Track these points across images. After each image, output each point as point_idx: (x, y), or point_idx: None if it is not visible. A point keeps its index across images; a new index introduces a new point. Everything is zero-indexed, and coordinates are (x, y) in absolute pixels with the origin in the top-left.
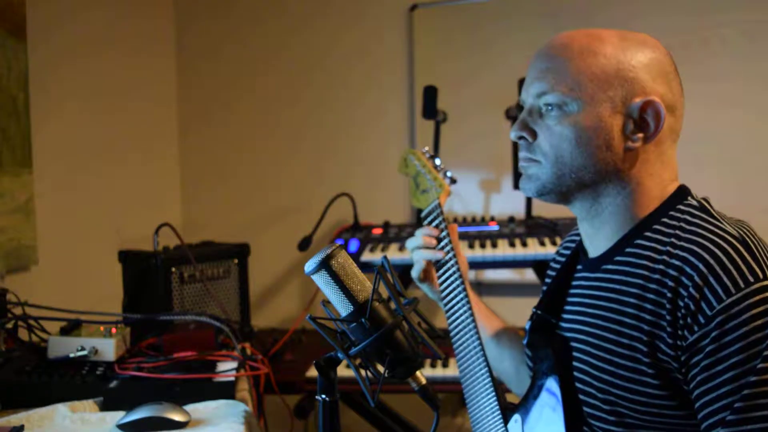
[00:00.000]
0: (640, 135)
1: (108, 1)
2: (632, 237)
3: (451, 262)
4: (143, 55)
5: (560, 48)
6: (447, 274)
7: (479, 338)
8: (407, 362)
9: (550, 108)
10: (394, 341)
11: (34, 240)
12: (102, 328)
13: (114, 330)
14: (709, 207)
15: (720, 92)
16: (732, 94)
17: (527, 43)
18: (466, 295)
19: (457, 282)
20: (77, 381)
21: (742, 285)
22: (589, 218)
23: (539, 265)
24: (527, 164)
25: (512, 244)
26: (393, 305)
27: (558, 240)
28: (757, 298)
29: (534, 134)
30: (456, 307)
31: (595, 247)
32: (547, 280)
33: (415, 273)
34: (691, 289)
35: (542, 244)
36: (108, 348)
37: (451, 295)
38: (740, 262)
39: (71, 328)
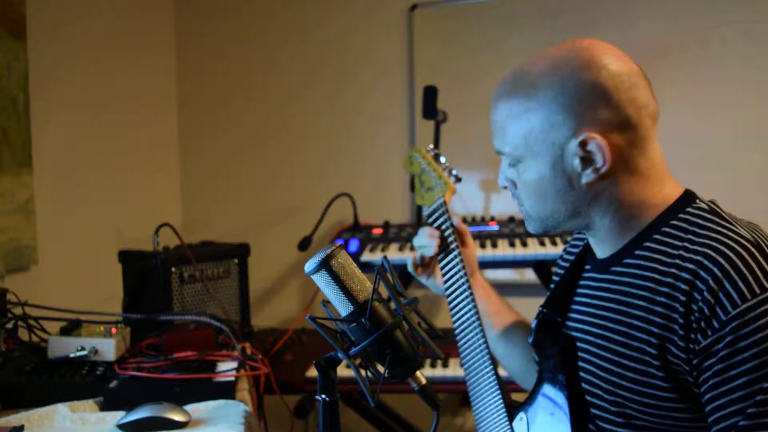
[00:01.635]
0: (592, 168)
1: (108, 3)
2: (640, 240)
3: (456, 260)
4: (144, 55)
5: (496, 108)
6: (451, 273)
7: (484, 336)
8: (407, 362)
9: (511, 162)
10: (394, 341)
11: (34, 240)
12: (102, 328)
13: (114, 330)
14: (719, 210)
15: (720, 93)
16: (732, 94)
17: (527, 43)
18: (471, 294)
19: (462, 280)
20: (77, 381)
21: (758, 290)
22: (590, 234)
23: (539, 265)
24: (520, 208)
25: (512, 244)
26: (393, 305)
27: (558, 240)
28: None
29: (514, 184)
30: (460, 306)
31: (602, 250)
32: (555, 278)
33: (409, 266)
34: (705, 293)
35: (542, 244)
36: (108, 348)
37: (456, 293)
38: (755, 267)
39: (71, 328)
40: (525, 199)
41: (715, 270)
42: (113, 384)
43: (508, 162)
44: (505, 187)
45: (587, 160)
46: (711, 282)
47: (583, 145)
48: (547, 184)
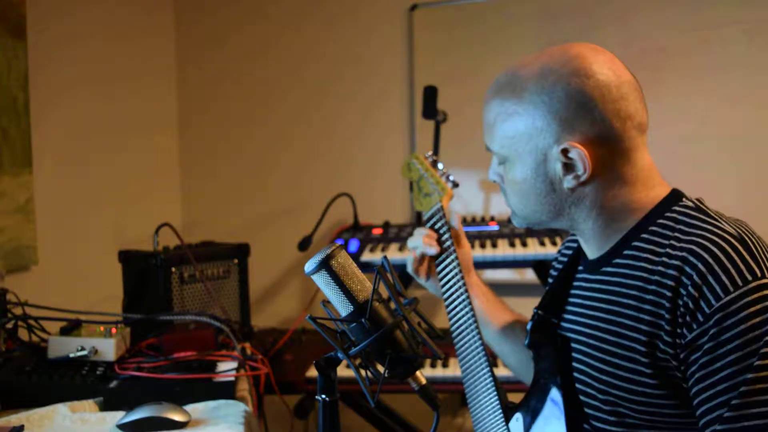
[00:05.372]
0: (573, 175)
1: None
2: (629, 240)
3: (453, 264)
4: (142, 53)
5: (487, 106)
6: (448, 276)
7: (480, 337)
8: (407, 362)
9: (500, 160)
10: (394, 341)
11: (34, 240)
12: (102, 328)
13: (114, 330)
14: (704, 207)
15: (720, 91)
16: (732, 93)
17: (527, 43)
18: (468, 297)
19: (459, 284)
20: (77, 381)
21: (740, 283)
22: (577, 233)
23: (539, 265)
24: (506, 202)
25: (512, 244)
26: (393, 305)
27: (558, 240)
28: (755, 296)
29: (503, 178)
30: (457, 308)
31: (591, 251)
32: (550, 280)
33: (408, 266)
34: (690, 288)
35: (542, 244)
36: (108, 348)
37: (453, 295)
38: (739, 261)
39: (71, 328)
40: (510, 196)
41: (699, 265)
42: (113, 384)
43: (497, 155)
44: (495, 180)
45: (569, 166)
46: (695, 276)
47: (564, 152)
48: (530, 186)
